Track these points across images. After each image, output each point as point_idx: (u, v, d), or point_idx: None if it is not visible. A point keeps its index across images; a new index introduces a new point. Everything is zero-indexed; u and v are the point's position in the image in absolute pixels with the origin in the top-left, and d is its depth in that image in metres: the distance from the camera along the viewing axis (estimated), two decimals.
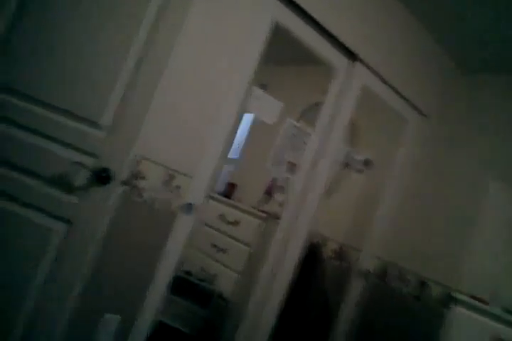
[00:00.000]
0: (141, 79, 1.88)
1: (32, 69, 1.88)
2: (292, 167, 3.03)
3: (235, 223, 3.23)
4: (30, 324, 1.78)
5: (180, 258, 2.21)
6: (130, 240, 2.05)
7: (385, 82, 2.98)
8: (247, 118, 4.05)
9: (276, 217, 2.83)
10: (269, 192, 3.41)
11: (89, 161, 1.84)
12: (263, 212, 3.14)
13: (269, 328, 2.70)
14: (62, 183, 1.83)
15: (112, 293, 2.05)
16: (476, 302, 2.71)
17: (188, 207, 2.17)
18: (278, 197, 3.43)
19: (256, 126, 3.99)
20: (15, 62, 1.90)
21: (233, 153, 4.04)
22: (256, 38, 2.27)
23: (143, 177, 2.05)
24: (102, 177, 1.83)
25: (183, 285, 3.11)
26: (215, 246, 3.21)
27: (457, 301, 2.78)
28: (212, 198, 3.33)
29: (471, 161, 3.14)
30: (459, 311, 2.75)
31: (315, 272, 3.24)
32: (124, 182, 1.91)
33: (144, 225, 2.08)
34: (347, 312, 3.12)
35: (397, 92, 3.09)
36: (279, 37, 2.41)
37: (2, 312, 1.78)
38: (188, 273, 3.20)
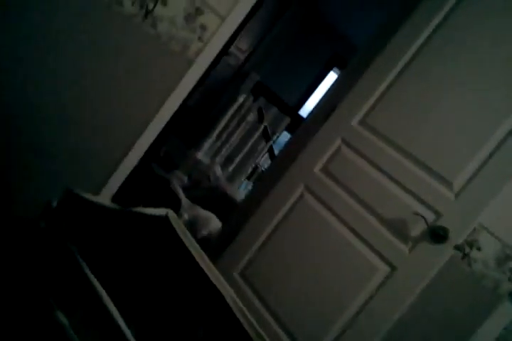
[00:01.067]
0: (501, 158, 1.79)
1: (394, 118, 2.07)
2: None
3: None
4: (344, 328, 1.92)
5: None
6: (444, 306, 1.96)
7: None
8: None
9: None
10: None
11: (430, 216, 1.86)
12: None
13: None
14: (398, 228, 1.91)
15: None
16: None
17: None
18: None
19: None
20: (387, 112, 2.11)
21: None
22: None
23: (478, 248, 1.94)
24: (438, 235, 1.81)
25: None
26: None
27: None
28: None
29: None
30: None
31: None
32: (458, 247, 1.85)
33: (462, 297, 1.96)
34: None
35: None
36: None
37: (315, 318, 1.99)
38: None
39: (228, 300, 1.00)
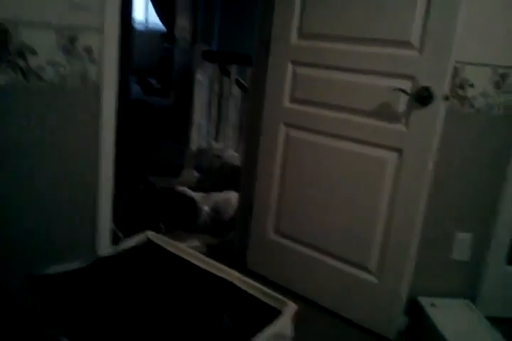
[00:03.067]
0: None
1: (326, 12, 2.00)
2: None
3: None
4: (385, 239, 1.94)
5: None
6: (468, 155, 1.94)
7: None
8: None
9: None
10: None
11: (407, 85, 1.80)
12: None
13: None
14: (386, 113, 1.86)
15: (458, 211, 2.01)
16: None
17: None
18: None
19: None
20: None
21: None
22: None
23: (471, 85, 1.88)
24: (423, 97, 1.76)
25: None
26: None
27: None
28: None
29: None
30: None
31: None
32: (448, 97, 1.79)
33: (481, 136, 1.92)
34: None
35: None
36: None
37: (359, 232, 2.00)
38: None
39: (236, 282, 1.03)
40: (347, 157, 2.01)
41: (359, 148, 1.96)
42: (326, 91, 2.04)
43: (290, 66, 2.15)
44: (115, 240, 1.85)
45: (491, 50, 1.86)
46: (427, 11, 1.73)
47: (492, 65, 1.86)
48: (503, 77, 1.87)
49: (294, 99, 2.16)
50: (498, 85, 1.87)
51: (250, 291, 1.05)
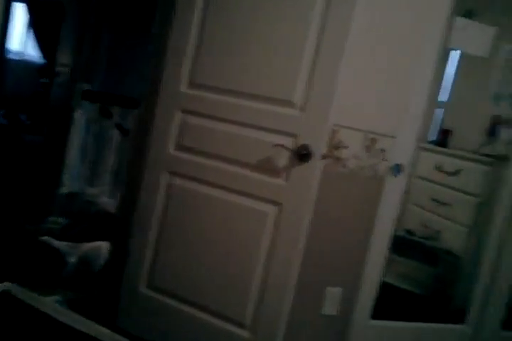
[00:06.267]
0: (324, 48, 1.84)
1: (217, 66, 2.05)
2: None
3: (455, 173, 2.99)
4: (260, 295, 1.94)
5: (396, 219, 2.16)
6: (339, 212, 2.06)
7: None
8: (453, 56, 3.63)
9: (504, 158, 2.53)
10: (492, 132, 3.02)
11: (288, 141, 1.89)
12: (487, 156, 2.82)
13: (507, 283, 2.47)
14: (268, 167, 1.93)
15: (329, 266, 2.09)
16: None
17: (396, 168, 2.08)
18: (504, 134, 3.02)
19: (464, 61, 3.53)
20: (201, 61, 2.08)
21: (441, 96, 3.67)
22: None
23: (345, 147, 2.04)
24: (302, 154, 1.85)
25: (405, 245, 3.03)
26: (435, 200, 3.03)
27: None
28: (425, 149, 3.13)
29: None
30: None
31: None
32: (325, 156, 1.92)
33: (352, 195, 2.07)
34: None
35: None
36: None
37: (235, 287, 1.99)
38: (409, 231, 3.11)
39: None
40: (229, 208, 2.01)
41: (242, 200, 1.98)
42: (212, 142, 2.06)
43: (178, 113, 2.14)
44: None
45: (364, 116, 2.04)
46: (311, 75, 1.86)
47: (364, 130, 2.04)
48: (373, 142, 2.06)
49: (180, 147, 2.13)
50: (368, 149, 2.06)
51: None
